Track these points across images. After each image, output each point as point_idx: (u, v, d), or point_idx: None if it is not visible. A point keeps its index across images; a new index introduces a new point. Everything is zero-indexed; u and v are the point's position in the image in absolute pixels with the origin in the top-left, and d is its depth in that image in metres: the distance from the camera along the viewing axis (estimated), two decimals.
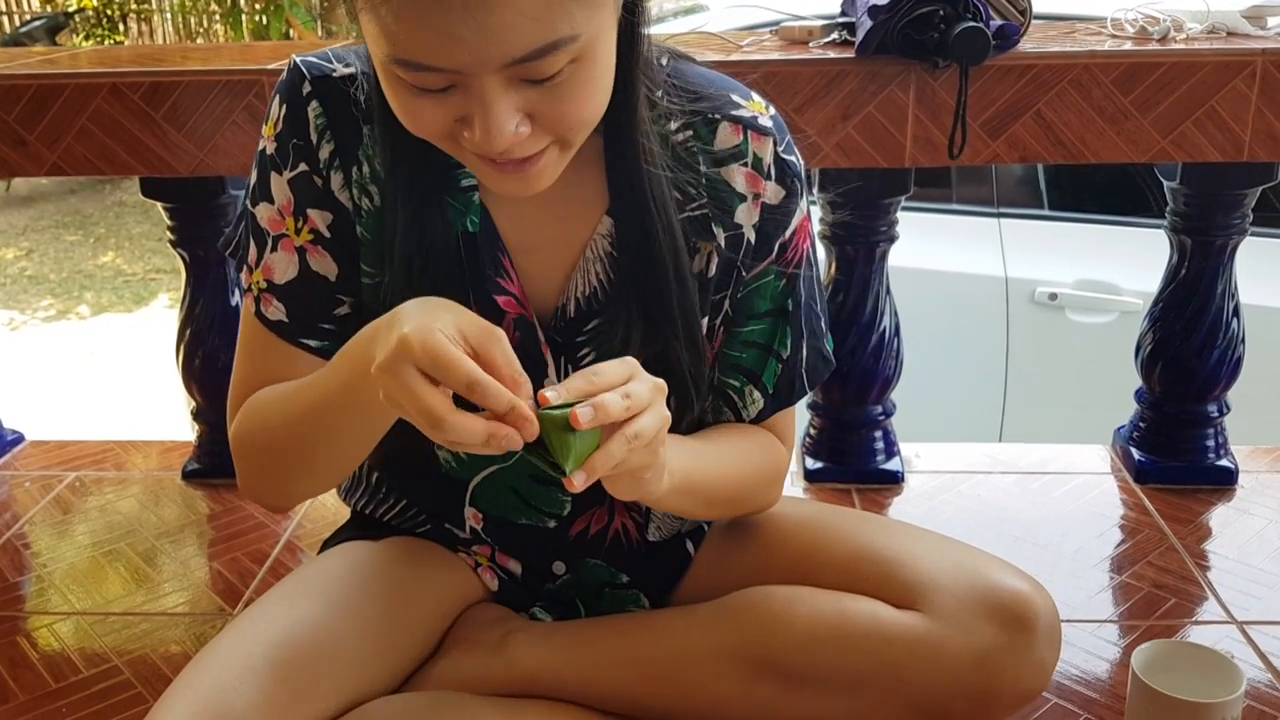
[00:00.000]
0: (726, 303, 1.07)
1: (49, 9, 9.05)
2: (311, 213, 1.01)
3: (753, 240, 1.05)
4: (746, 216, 1.04)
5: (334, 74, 1.00)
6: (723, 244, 1.04)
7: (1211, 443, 1.73)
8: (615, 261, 1.02)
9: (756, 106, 1.05)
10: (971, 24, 1.35)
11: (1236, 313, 1.68)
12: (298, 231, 1.02)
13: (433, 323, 0.81)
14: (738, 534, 1.20)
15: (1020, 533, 1.62)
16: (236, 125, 1.49)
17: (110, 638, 1.42)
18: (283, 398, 1.00)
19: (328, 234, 1.02)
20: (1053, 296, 2.58)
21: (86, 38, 8.99)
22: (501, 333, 0.83)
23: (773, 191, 1.04)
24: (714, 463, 1.05)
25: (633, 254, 1.00)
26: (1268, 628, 1.38)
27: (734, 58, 1.50)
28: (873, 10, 1.41)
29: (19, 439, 1.98)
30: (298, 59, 1.01)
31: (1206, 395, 1.71)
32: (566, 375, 1.05)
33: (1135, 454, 1.76)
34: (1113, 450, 1.84)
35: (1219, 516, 1.65)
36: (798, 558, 1.13)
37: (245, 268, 1.05)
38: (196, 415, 1.83)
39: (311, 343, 1.03)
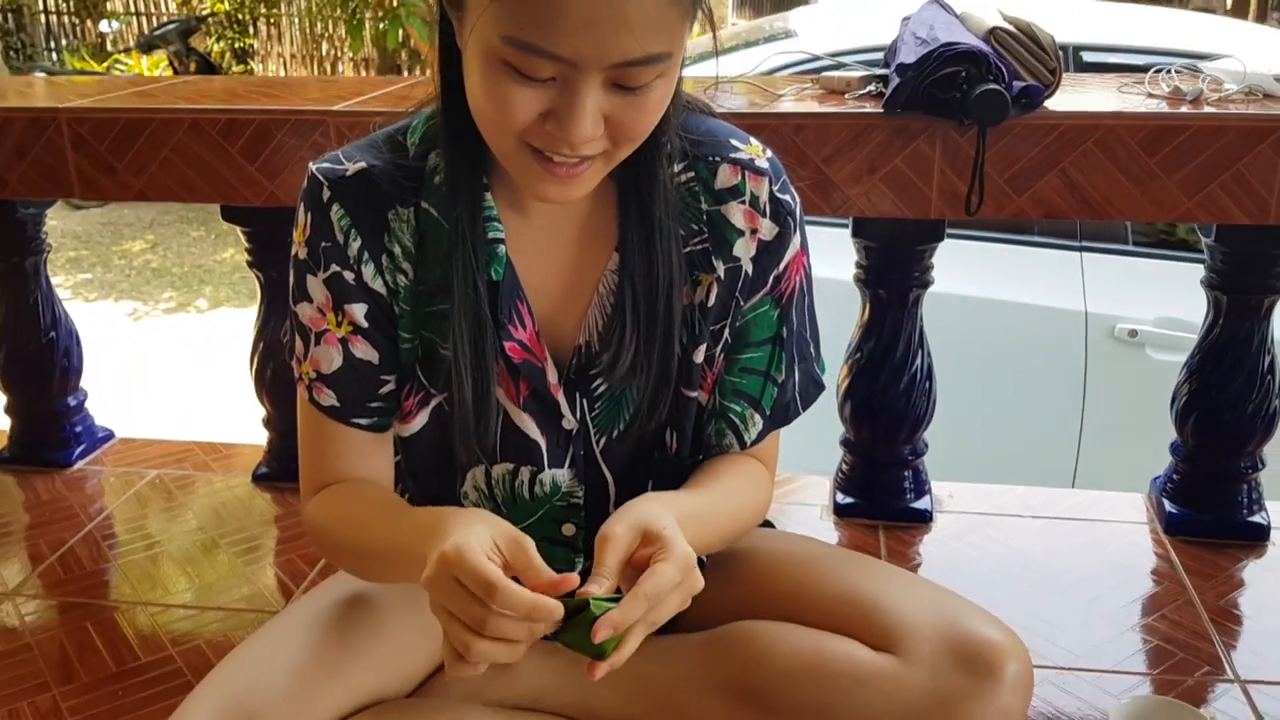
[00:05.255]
0: (726, 331, 1.15)
1: (184, 12, 9.49)
2: (348, 307, 1.11)
3: (750, 272, 1.13)
4: (744, 250, 1.12)
5: (346, 174, 1.09)
6: (722, 275, 1.12)
7: (1244, 498, 1.73)
8: (619, 293, 1.10)
9: (754, 150, 1.13)
10: (992, 86, 1.38)
11: (1272, 369, 1.68)
12: (339, 324, 1.12)
13: (470, 537, 0.91)
14: (733, 570, 1.26)
15: (1038, 579, 1.64)
16: (303, 161, 1.60)
17: (170, 629, 1.55)
18: (350, 526, 1.11)
19: (365, 324, 1.12)
20: (1133, 333, 2.56)
21: (218, 40, 9.38)
22: (529, 540, 0.92)
23: (768, 228, 1.12)
24: (713, 522, 1.12)
25: (634, 283, 1.08)
26: (1270, 688, 1.39)
27: (769, 109, 1.56)
28: (900, 68, 1.46)
29: (109, 436, 2.15)
30: (314, 167, 1.10)
31: (1240, 449, 1.70)
32: (582, 410, 1.14)
33: (1167, 505, 1.76)
34: (1148, 500, 1.84)
35: (1245, 573, 1.65)
36: (786, 596, 1.19)
37: (295, 360, 1.16)
38: (267, 423, 1.96)
39: (362, 421, 1.14)
